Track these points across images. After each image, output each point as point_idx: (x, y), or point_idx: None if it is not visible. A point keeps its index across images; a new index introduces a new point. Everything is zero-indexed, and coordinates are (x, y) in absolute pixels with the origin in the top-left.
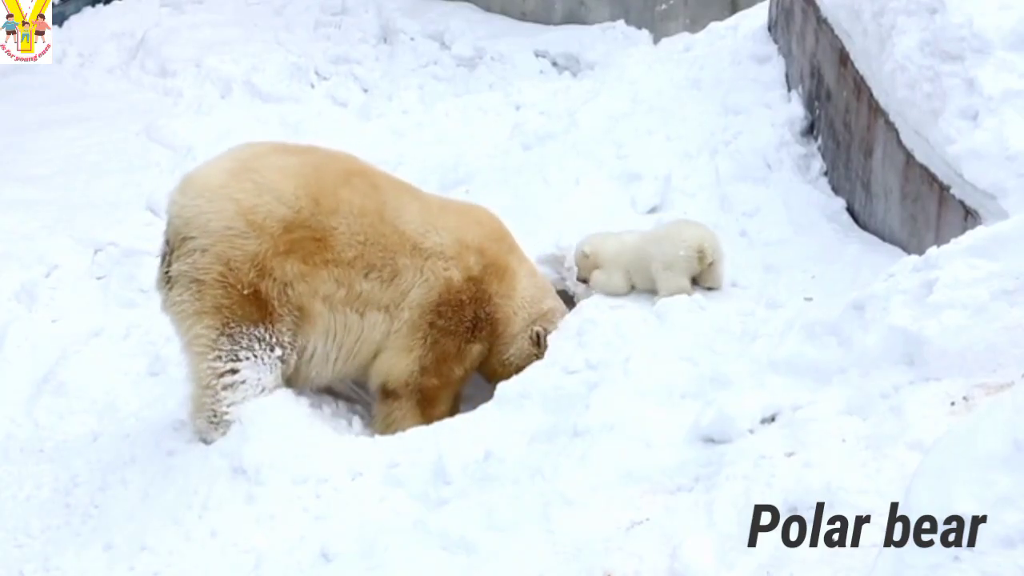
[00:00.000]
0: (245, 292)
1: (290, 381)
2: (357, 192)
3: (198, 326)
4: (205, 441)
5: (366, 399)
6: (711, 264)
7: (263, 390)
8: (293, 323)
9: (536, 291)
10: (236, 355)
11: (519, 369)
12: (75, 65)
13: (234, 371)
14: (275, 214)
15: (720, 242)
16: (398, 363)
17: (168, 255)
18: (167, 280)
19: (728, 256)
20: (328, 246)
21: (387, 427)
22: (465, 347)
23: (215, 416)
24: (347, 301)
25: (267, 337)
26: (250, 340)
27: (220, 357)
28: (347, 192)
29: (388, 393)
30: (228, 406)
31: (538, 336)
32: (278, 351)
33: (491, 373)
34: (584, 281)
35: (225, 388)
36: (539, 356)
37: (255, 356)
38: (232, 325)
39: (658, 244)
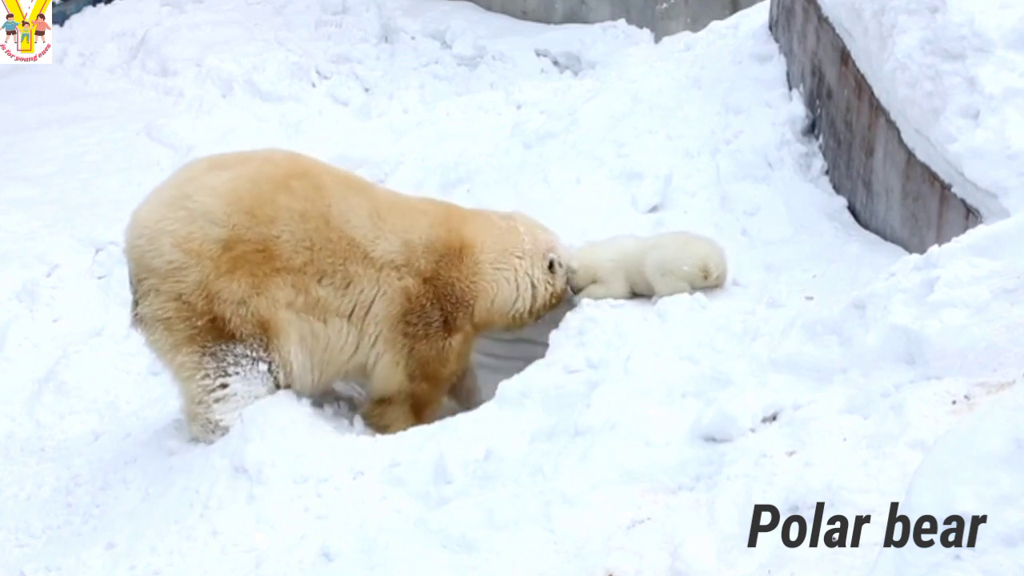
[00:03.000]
0: (201, 322)
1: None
2: (297, 197)
3: (179, 356)
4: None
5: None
6: (717, 279)
7: (256, 399)
8: (260, 340)
9: (504, 238)
10: (225, 371)
11: (539, 314)
12: (76, 64)
13: (224, 386)
14: (210, 236)
15: (725, 256)
16: (391, 379)
17: (135, 295)
18: (137, 319)
19: (729, 255)
20: (274, 255)
21: (378, 422)
22: (444, 344)
23: (209, 423)
24: (308, 308)
25: (249, 353)
26: (235, 357)
27: (208, 375)
28: (285, 198)
29: (382, 399)
30: (221, 415)
31: (551, 264)
32: (262, 366)
33: (509, 329)
34: (576, 291)
35: (217, 401)
36: (555, 286)
37: (243, 371)
38: (211, 347)
39: (659, 251)
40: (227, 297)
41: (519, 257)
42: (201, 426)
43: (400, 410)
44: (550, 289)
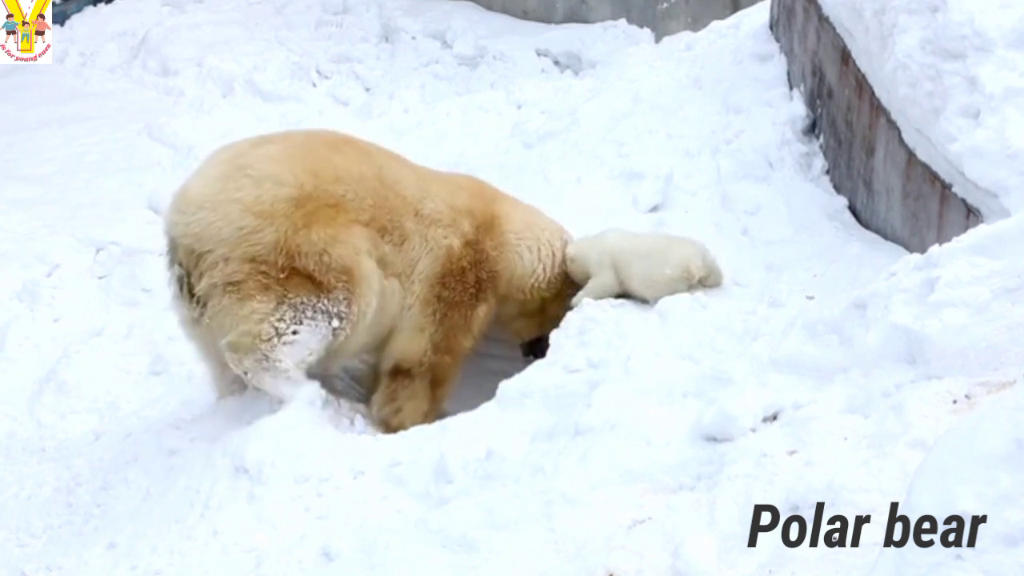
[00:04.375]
0: (283, 275)
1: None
2: (351, 159)
3: (251, 303)
4: (243, 386)
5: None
6: (704, 278)
7: (310, 354)
8: (345, 290)
9: (527, 215)
10: (300, 320)
11: (552, 286)
12: (76, 64)
13: (295, 332)
14: (280, 196)
15: (711, 255)
16: (412, 344)
17: (186, 277)
18: (196, 301)
19: (729, 255)
20: (345, 210)
21: (392, 404)
22: (471, 314)
23: (267, 359)
24: (379, 262)
25: (328, 308)
26: (313, 311)
27: (284, 320)
28: (341, 160)
29: (400, 371)
30: (283, 357)
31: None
32: (336, 322)
33: (523, 316)
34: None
35: (285, 344)
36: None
37: (316, 323)
38: (290, 297)
39: (641, 262)
40: (307, 250)
41: (543, 229)
42: (256, 360)
43: (419, 385)
44: (566, 258)
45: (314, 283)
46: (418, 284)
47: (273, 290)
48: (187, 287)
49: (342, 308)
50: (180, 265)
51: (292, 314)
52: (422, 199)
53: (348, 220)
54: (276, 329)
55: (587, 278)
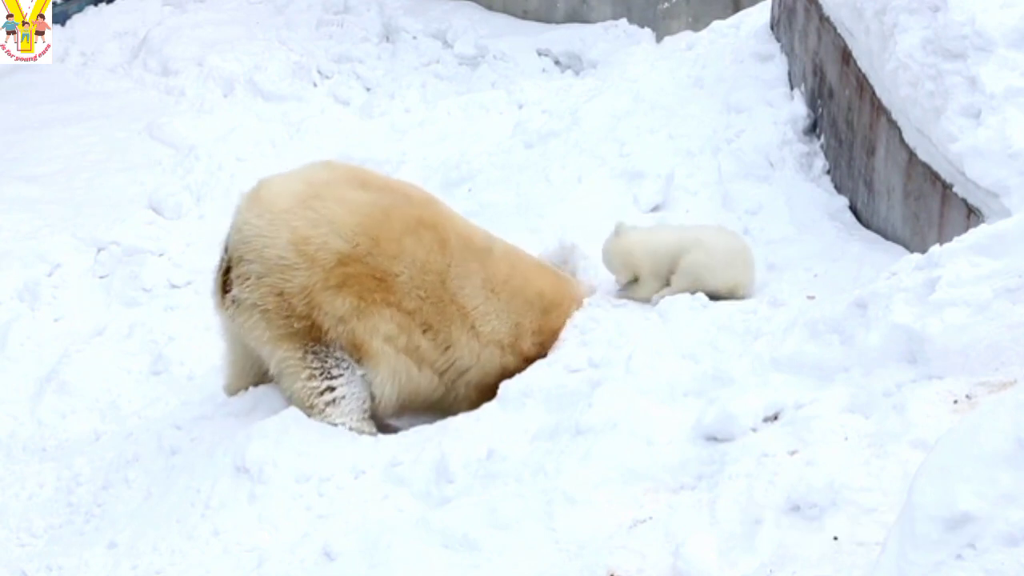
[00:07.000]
0: (299, 324)
1: None
2: (422, 245)
3: (279, 351)
4: None
5: None
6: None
7: (363, 402)
8: (354, 358)
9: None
10: (329, 373)
11: None
12: (78, 64)
13: (331, 388)
14: (329, 246)
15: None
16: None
17: (226, 263)
18: (231, 299)
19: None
20: (389, 288)
21: None
22: None
23: (326, 421)
24: (408, 350)
25: (347, 358)
26: (336, 360)
27: (313, 376)
28: (411, 242)
29: None
30: (338, 419)
31: None
32: (360, 371)
33: None
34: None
35: (328, 405)
36: None
37: (346, 374)
38: (312, 345)
39: (703, 254)
40: (328, 311)
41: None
42: (320, 421)
43: None
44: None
45: (324, 340)
46: (464, 388)
47: (297, 337)
48: (223, 275)
49: (355, 365)
50: (226, 249)
51: (318, 364)
52: (484, 315)
53: (385, 300)
54: (311, 389)
55: (629, 270)
